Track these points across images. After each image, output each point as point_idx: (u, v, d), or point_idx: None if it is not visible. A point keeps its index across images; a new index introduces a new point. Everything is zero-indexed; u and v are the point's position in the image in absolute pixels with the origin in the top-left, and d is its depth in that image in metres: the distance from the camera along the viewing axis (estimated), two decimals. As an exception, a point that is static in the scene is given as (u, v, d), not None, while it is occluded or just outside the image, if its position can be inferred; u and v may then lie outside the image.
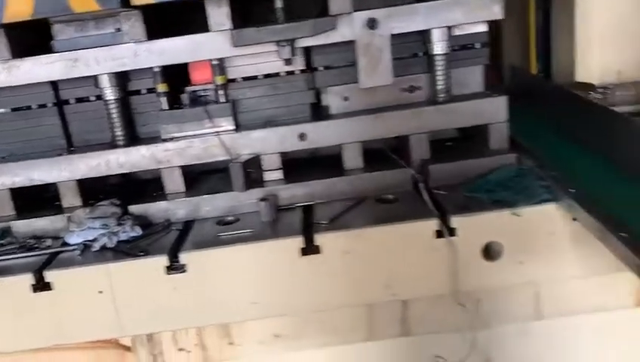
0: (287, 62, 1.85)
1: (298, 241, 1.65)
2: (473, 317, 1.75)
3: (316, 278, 1.68)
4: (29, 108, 1.93)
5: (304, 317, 1.76)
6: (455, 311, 1.74)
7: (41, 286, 1.66)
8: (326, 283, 1.68)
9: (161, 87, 1.87)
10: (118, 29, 1.80)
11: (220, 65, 1.87)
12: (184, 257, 1.66)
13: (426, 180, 1.86)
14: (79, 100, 1.95)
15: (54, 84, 1.91)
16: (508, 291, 1.74)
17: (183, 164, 1.91)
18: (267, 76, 1.94)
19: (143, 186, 2.04)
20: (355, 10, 1.77)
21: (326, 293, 1.69)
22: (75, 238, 1.76)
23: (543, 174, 1.71)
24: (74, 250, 1.74)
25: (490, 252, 1.68)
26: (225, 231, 1.75)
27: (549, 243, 1.65)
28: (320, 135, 1.90)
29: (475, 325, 1.75)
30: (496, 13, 1.81)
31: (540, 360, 1.87)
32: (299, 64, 1.90)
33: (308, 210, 1.84)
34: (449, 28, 1.84)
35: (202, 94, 1.96)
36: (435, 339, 1.81)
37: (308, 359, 1.84)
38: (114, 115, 1.90)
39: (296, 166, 1.98)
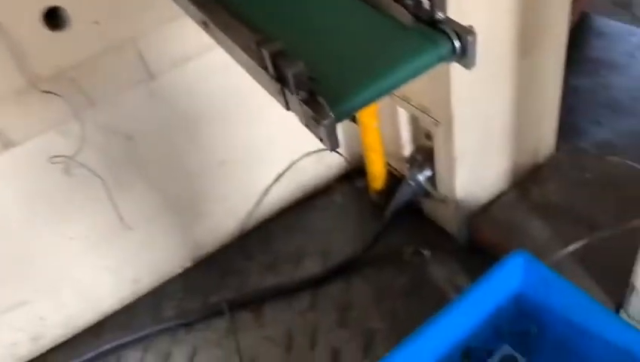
0: None
1: None
2: (76, 101, 1.51)
3: None
4: None
5: None
6: (54, 101, 1.48)
7: None
8: None
9: None
10: None
11: None
12: None
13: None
14: None
15: None
16: (105, 60, 1.50)
17: None
18: None
19: None
20: None
21: None
22: None
23: None
24: None
25: (54, 19, 1.38)
26: None
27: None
28: None
29: (81, 107, 1.53)
30: None
31: (172, 114, 1.75)
32: None
33: None
34: None
35: None
36: (46, 140, 1.55)
37: None
38: None
39: None
